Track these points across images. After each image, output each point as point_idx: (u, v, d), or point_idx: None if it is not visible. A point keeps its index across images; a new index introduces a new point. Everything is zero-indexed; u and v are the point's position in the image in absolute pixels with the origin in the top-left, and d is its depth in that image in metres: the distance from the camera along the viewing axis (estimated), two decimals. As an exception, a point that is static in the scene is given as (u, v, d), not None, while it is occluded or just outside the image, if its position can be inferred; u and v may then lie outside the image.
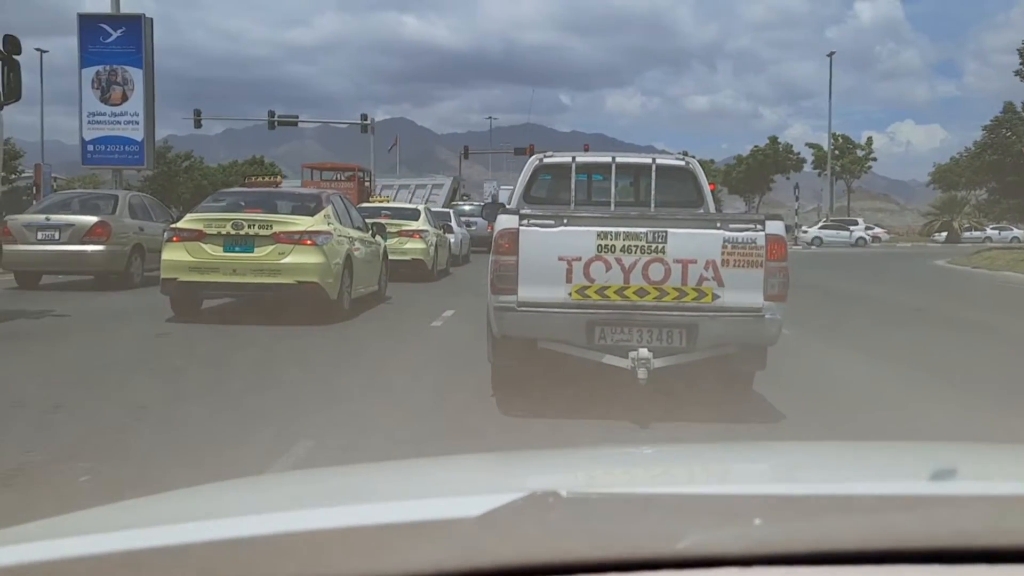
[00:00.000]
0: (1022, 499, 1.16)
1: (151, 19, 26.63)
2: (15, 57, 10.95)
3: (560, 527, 1.01)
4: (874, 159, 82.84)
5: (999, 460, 1.84)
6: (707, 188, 8.95)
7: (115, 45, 25.70)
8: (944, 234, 66.97)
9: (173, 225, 12.28)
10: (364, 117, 51.68)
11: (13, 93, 11.07)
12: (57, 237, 15.47)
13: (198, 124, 48.88)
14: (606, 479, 1.75)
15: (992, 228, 67.35)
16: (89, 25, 26.12)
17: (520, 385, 6.98)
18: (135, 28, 25.91)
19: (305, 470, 4.24)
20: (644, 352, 6.15)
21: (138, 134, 25.88)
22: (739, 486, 1.61)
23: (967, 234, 66.59)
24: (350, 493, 1.62)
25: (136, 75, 25.78)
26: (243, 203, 12.65)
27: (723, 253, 6.19)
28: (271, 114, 49.68)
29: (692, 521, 1.00)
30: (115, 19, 26.35)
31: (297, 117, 54.26)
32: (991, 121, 41.35)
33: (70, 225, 15.62)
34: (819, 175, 76.47)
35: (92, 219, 15.80)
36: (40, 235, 15.51)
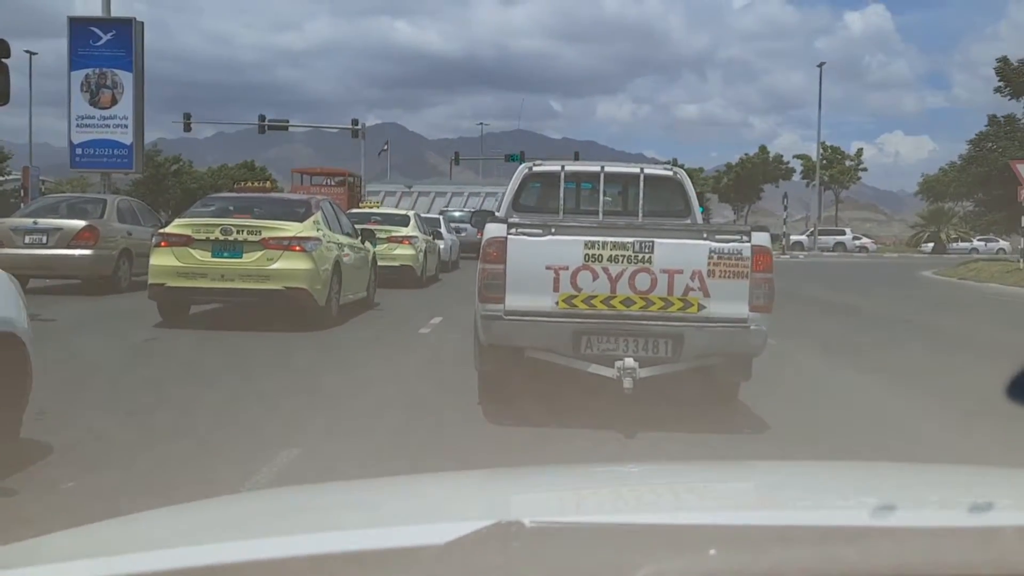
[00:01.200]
0: (956, 532, 1.20)
1: (142, 23, 26.53)
2: (3, 60, 10.92)
3: (521, 557, 1.03)
4: (864, 170, 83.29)
5: (947, 484, 1.89)
6: (695, 198, 9.01)
7: (105, 48, 25.62)
8: (931, 245, 67.31)
9: (161, 230, 12.26)
10: (355, 122, 51.54)
11: (1, 96, 11.04)
12: (45, 241, 15.40)
13: (188, 128, 48.81)
14: (576, 505, 1.79)
15: (978, 240, 67.64)
16: (79, 28, 26.05)
17: (506, 393, 7.00)
18: (125, 31, 25.83)
19: (274, 489, 4.26)
20: (630, 362, 6.17)
21: (127, 137, 25.80)
22: (700, 514, 1.65)
23: (953, 245, 66.95)
24: (318, 517, 1.64)
25: (126, 78, 25.71)
26: (232, 208, 12.62)
27: (709, 264, 6.22)
28: (262, 118, 49.56)
29: (649, 552, 1.03)
30: (105, 22, 26.27)
31: (287, 121, 54.15)
32: (976, 135, 41.56)
33: (58, 229, 15.52)
34: (807, 185, 76.81)
35: (80, 223, 15.74)
36: (28, 239, 15.45)
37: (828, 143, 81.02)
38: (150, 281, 11.58)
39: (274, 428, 6.14)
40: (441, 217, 28.65)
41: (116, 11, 27.25)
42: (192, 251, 11.32)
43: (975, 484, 1.90)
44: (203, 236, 11.36)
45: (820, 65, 64.37)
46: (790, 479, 2.06)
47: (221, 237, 11.30)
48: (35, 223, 15.74)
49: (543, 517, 1.43)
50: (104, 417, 6.33)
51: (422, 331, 11.91)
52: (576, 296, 6.25)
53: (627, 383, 6.14)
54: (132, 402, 6.86)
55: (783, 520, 1.45)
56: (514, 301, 6.29)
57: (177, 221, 12.25)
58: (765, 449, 6.02)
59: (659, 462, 4.73)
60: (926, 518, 1.48)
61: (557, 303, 6.26)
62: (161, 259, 11.37)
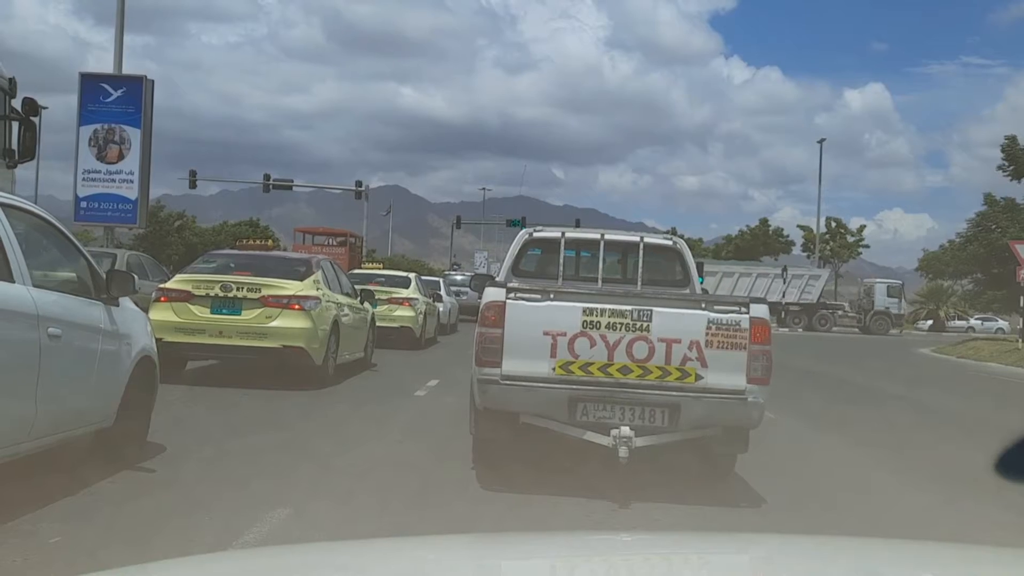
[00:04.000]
0: None
1: (152, 80, 26.77)
2: (32, 119, 11.30)
3: None
4: (866, 246, 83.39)
5: (937, 562, 1.92)
6: (693, 268, 9.03)
7: (115, 104, 25.86)
8: (929, 322, 67.19)
9: (161, 285, 12.24)
10: (359, 184, 51.82)
11: (28, 152, 11.38)
12: None
13: (193, 184, 49.05)
14: (569, 572, 1.80)
15: (975, 319, 67.54)
16: (90, 84, 26.31)
17: (501, 459, 6.93)
18: (136, 88, 26.07)
19: (266, 547, 4.22)
20: (626, 430, 6.13)
21: (132, 193, 25.91)
22: None
23: (951, 323, 66.86)
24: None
25: (134, 134, 25.92)
26: (233, 265, 12.64)
27: (707, 334, 6.21)
28: (266, 177, 49.75)
29: None
30: (116, 79, 26.51)
31: (292, 181, 54.22)
32: (976, 214, 41.63)
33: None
34: (808, 258, 76.92)
35: None
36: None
37: (830, 218, 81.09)
38: None
39: (266, 487, 6.07)
40: (441, 280, 29.13)
41: (127, 68, 27.62)
42: (191, 307, 11.30)
43: (964, 562, 1.93)
44: (203, 292, 11.35)
45: (821, 141, 65.10)
46: (784, 553, 2.08)
47: (221, 294, 11.30)
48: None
49: None
50: (93, 471, 6.25)
51: (418, 393, 11.85)
52: (573, 362, 6.23)
53: (623, 452, 6.09)
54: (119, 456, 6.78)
55: None
56: (511, 366, 6.26)
57: (178, 277, 12.26)
58: (760, 521, 5.95)
59: (653, 532, 4.67)
60: None
61: (554, 369, 6.24)
62: (160, 314, 11.18)
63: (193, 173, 48.80)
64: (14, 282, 5.16)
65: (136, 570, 1.80)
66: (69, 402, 5.82)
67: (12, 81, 11.46)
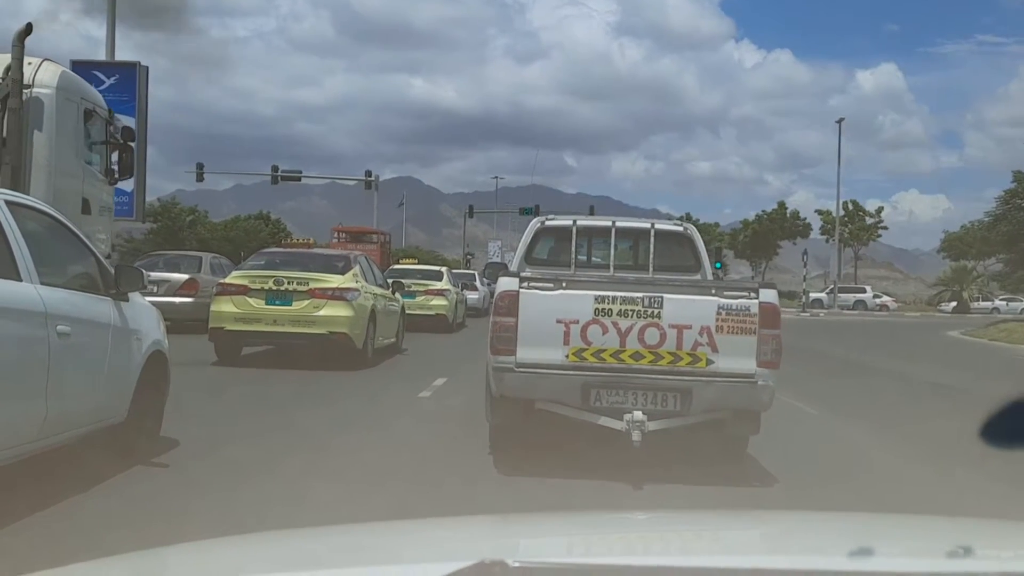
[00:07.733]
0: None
1: (146, 67, 24.85)
2: (130, 143, 13.18)
3: None
4: (884, 228, 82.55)
5: (933, 533, 1.96)
6: (705, 254, 9.07)
7: (108, 93, 24.58)
8: (952, 304, 66.03)
9: (222, 281, 13.92)
10: (368, 173, 51.30)
11: (127, 171, 13.34)
12: (155, 291, 16.64)
13: (200, 177, 48.85)
14: (586, 549, 1.82)
15: (1000, 299, 66.29)
16: (82, 72, 25.01)
17: (517, 444, 7.00)
18: (129, 76, 24.33)
19: (271, 531, 4.24)
20: (639, 415, 6.19)
21: (128, 185, 25.13)
22: (707, 557, 1.69)
23: (975, 304, 65.69)
24: (311, 558, 1.67)
25: (128, 124, 25.46)
26: (280, 262, 14.07)
27: (717, 319, 6.26)
28: (274, 169, 49.47)
29: None
30: (109, 66, 24.92)
31: (300, 172, 53.83)
32: (1004, 192, 40.47)
33: (166, 281, 18.09)
34: (827, 241, 76.12)
35: (184, 276, 18.46)
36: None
37: (848, 200, 79.63)
38: (211, 325, 12.89)
39: (278, 485, 6.09)
40: (476, 273, 33.97)
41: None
42: (248, 299, 12.77)
43: (956, 532, 1.96)
44: (258, 286, 12.82)
45: (839, 121, 62.77)
46: (797, 529, 2.09)
47: (274, 287, 12.78)
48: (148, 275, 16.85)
49: (536, 558, 1.47)
50: (103, 466, 6.16)
51: (437, 382, 11.92)
52: (586, 349, 6.29)
53: (636, 436, 6.15)
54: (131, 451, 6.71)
55: (788, 564, 1.52)
56: (525, 354, 6.33)
57: (235, 273, 14.04)
58: (772, 501, 6.01)
59: (668, 510, 4.72)
60: (912, 564, 1.59)
61: (567, 356, 6.30)
62: (221, 306, 12.86)
63: (200, 166, 48.66)
64: (21, 280, 5.07)
65: (151, 554, 1.87)
66: (80, 399, 5.75)
67: (111, 112, 13.19)
